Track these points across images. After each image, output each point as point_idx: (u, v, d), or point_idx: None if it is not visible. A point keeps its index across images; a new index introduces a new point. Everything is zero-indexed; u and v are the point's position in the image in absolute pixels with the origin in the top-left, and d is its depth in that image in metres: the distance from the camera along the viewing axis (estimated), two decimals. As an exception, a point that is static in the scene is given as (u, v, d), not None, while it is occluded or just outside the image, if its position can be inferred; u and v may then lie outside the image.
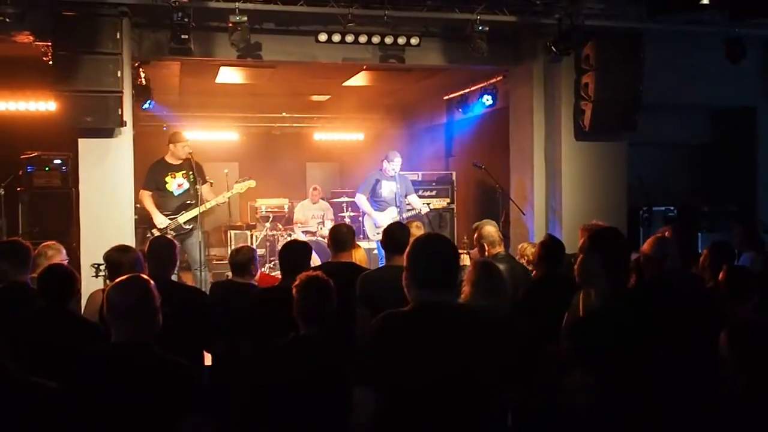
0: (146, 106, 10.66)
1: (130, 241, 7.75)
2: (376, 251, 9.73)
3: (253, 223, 13.85)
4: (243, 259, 5.81)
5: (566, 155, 9.25)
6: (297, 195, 14.32)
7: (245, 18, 7.82)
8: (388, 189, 9.90)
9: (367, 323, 3.42)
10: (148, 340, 3.16)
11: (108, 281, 5.35)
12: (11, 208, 9.70)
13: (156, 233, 8.45)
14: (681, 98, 10.21)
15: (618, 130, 9.15)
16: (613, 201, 9.28)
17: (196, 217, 8.76)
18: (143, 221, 8.86)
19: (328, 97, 14.79)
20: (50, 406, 2.71)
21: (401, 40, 8.67)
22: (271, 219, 12.52)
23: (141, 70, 9.43)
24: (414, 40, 8.73)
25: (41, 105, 10.45)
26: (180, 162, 8.85)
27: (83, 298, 6.44)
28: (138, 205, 8.93)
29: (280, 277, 5.83)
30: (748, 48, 9.03)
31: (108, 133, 8.04)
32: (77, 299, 5.43)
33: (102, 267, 7.39)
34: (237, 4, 7.81)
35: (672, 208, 10.40)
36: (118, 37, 7.59)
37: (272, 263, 11.66)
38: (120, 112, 7.67)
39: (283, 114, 15.89)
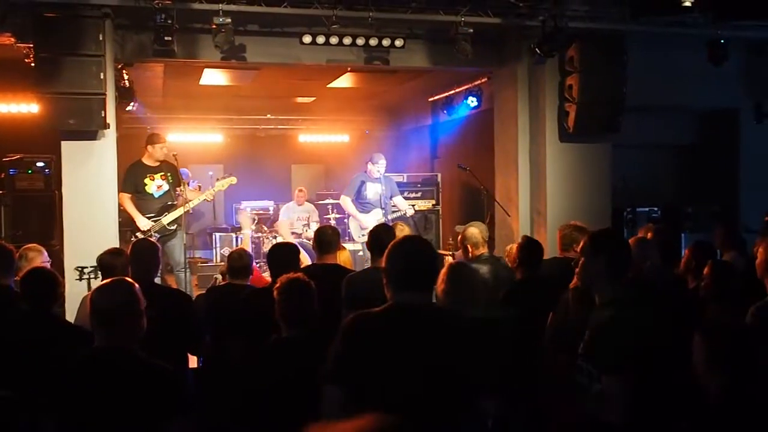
0: (129, 108, 10.62)
1: (115, 243, 7.71)
2: (361, 253, 9.72)
3: (238, 226, 13.82)
4: (243, 264, 5.84)
5: (550, 157, 9.27)
6: (282, 197, 14.33)
7: (229, 20, 7.80)
8: (373, 191, 9.89)
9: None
10: (133, 344, 3.14)
11: (93, 284, 5.33)
12: (-6, 211, 9.64)
13: (140, 236, 8.38)
14: (664, 100, 10.27)
15: (602, 131, 9.18)
16: (597, 202, 9.31)
17: (178, 218, 8.74)
18: (125, 224, 8.81)
19: (312, 99, 14.78)
20: (9, 416, 2.67)
21: (386, 42, 8.67)
22: (256, 221, 12.49)
23: (124, 72, 9.38)
24: (398, 42, 8.73)
25: (23, 107, 10.37)
26: (158, 164, 8.81)
27: (67, 302, 6.45)
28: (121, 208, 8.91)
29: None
30: (730, 50, 9.12)
31: (91, 135, 7.98)
32: (61, 303, 5.42)
33: (86, 270, 7.39)
34: (220, 5, 7.79)
35: (656, 208, 10.48)
36: (100, 38, 7.53)
37: (258, 265, 11.62)
38: (103, 115, 7.61)
39: (268, 116, 15.86)
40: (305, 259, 6.24)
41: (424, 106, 14.22)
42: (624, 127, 9.09)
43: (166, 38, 7.71)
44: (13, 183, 9.80)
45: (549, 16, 8.38)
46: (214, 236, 13.16)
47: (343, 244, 6.97)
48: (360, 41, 8.52)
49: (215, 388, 4.94)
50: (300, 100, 14.97)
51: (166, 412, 3.00)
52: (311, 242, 6.31)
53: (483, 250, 6.12)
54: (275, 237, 11.68)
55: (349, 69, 10.89)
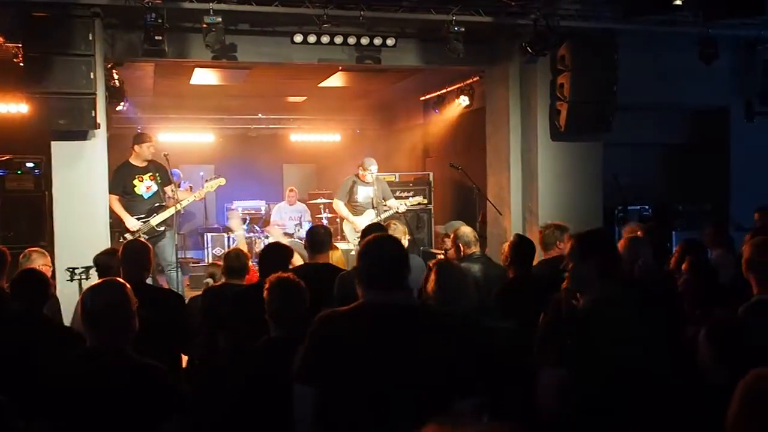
0: (120, 108, 10.58)
1: (105, 244, 7.67)
2: (354, 252, 9.71)
3: (230, 225, 13.80)
4: (240, 264, 5.84)
5: (542, 155, 9.28)
6: (274, 197, 14.31)
7: (220, 19, 7.78)
8: (364, 194, 9.89)
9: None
10: (125, 344, 3.13)
11: (84, 285, 5.32)
12: (-17, 212, 9.60)
13: (129, 237, 8.36)
14: (655, 98, 10.31)
15: (593, 130, 9.20)
16: (588, 200, 9.33)
17: (168, 219, 8.73)
18: (114, 225, 8.78)
19: (304, 98, 14.76)
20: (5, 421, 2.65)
21: (377, 41, 8.66)
22: (247, 221, 12.47)
23: (114, 71, 9.34)
24: (390, 41, 8.73)
25: (13, 107, 10.31)
26: (146, 164, 8.78)
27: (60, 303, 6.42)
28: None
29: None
30: (720, 48, 9.15)
31: (81, 135, 7.95)
32: (55, 303, 5.41)
33: (77, 271, 7.36)
34: (211, 5, 7.76)
35: (647, 207, 10.50)
36: (90, 38, 7.49)
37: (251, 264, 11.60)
38: (93, 115, 7.57)
39: (259, 115, 15.85)
40: (298, 261, 6.24)
41: (415, 105, 14.22)
42: (615, 126, 9.11)
43: (156, 38, 7.67)
44: (2, 184, 9.76)
45: (540, 15, 8.40)
46: (205, 236, 13.13)
47: (336, 244, 6.96)
48: (351, 40, 8.52)
49: (206, 388, 4.94)
50: (291, 99, 14.95)
51: (159, 413, 2.98)
52: (303, 242, 6.30)
53: (475, 249, 6.14)
54: (267, 237, 11.67)
55: (340, 68, 10.88)
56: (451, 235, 6.37)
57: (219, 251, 12.16)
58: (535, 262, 5.67)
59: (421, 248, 10.41)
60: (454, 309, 4.13)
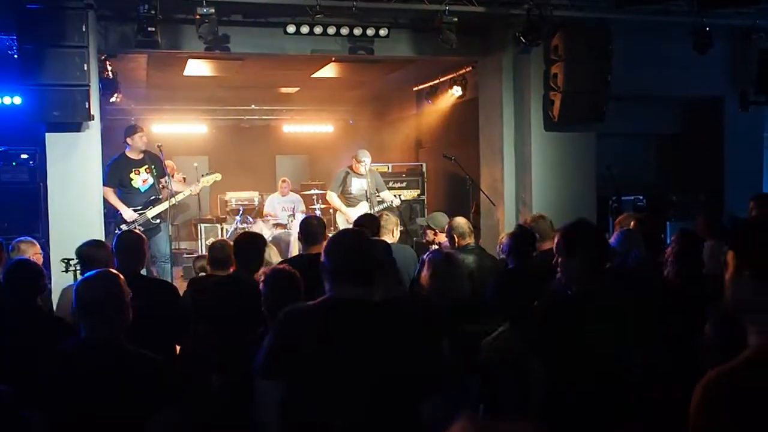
0: (113, 99, 10.57)
1: (100, 235, 7.68)
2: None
3: (224, 216, 13.80)
4: (224, 255, 5.81)
5: (536, 146, 9.30)
6: (267, 187, 14.29)
7: (212, 10, 7.76)
8: (358, 186, 9.90)
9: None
10: (118, 334, 3.14)
11: (79, 276, 5.32)
12: (-21, 204, 9.59)
13: (124, 227, 8.44)
14: (649, 89, 10.32)
15: (587, 120, 9.21)
16: (582, 191, 9.36)
17: (163, 212, 8.77)
18: (108, 215, 8.81)
19: (297, 89, 14.73)
20: (6, 410, 2.66)
21: (370, 32, 8.66)
22: (241, 212, 12.47)
23: (107, 63, 9.33)
24: (383, 32, 8.73)
25: (7, 99, 10.29)
26: (141, 156, 8.81)
27: (54, 294, 6.43)
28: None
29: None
30: (715, 38, 9.13)
31: (75, 127, 7.94)
32: (46, 294, 5.40)
33: (72, 262, 7.36)
34: (204, -4, 7.76)
35: (641, 197, 10.51)
36: (83, 30, 7.47)
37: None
38: (87, 106, 7.56)
39: (252, 106, 15.82)
40: (276, 256, 6.18)
41: (408, 95, 14.22)
42: (609, 116, 9.13)
43: (149, 29, 7.66)
44: (-3, 175, 9.76)
45: (534, 5, 8.40)
46: (199, 227, 13.12)
47: (329, 235, 6.96)
48: (344, 31, 8.52)
49: (197, 379, 4.96)
50: (284, 90, 14.92)
51: (154, 403, 3.00)
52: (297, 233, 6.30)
53: (469, 240, 6.16)
54: (260, 229, 11.67)
55: (333, 59, 10.86)
56: (446, 226, 6.39)
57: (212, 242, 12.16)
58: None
59: (414, 239, 10.42)
60: (447, 299, 4.16)
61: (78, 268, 7.28)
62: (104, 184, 8.49)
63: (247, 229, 11.92)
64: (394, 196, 10.10)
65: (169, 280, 8.47)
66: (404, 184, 12.23)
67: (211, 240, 11.57)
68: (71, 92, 7.50)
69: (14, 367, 3.12)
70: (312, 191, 12.51)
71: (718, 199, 10.73)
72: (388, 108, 16.10)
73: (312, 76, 12.62)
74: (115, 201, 8.65)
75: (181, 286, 6.24)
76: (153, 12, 7.57)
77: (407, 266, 5.88)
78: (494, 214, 9.72)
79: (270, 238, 9.85)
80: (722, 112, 11.08)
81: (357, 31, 8.59)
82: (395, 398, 2.87)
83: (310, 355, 2.85)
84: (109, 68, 9.51)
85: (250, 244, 5.25)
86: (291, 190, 13.19)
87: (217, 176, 9.51)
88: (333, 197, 9.97)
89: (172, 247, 9.22)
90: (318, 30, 8.36)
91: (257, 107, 15.88)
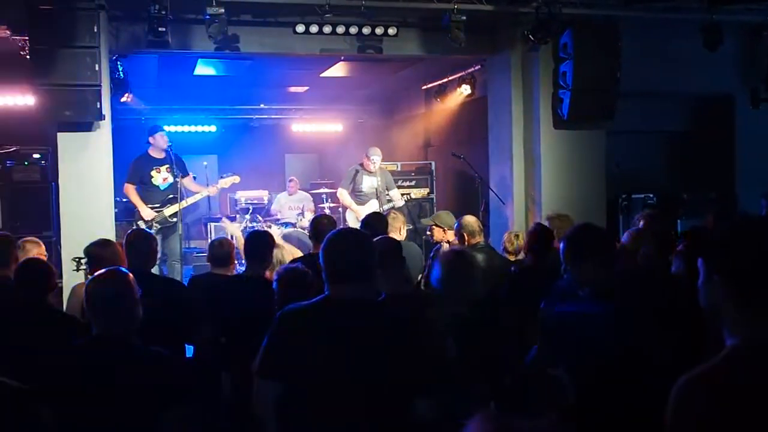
0: (124, 99, 10.63)
1: (111, 234, 7.74)
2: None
3: (233, 215, 13.83)
4: (223, 252, 5.83)
5: (545, 144, 9.29)
6: (276, 186, 14.33)
7: (222, 10, 7.79)
8: (368, 184, 9.93)
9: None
10: (129, 332, 3.16)
11: (89, 275, 5.35)
12: (-9, 203, 9.66)
13: (142, 225, 8.70)
14: (659, 86, 10.26)
15: (596, 118, 9.19)
16: (592, 189, 9.33)
17: (179, 210, 8.95)
18: (132, 213, 9.01)
19: (306, 88, 14.75)
20: (13, 405, 2.68)
21: (379, 31, 8.66)
22: (250, 211, 12.50)
23: (118, 63, 9.39)
24: (391, 31, 8.73)
25: (19, 99, 10.36)
26: (163, 156, 8.99)
27: (65, 292, 6.48)
28: (123, 200, 9.08)
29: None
30: (725, 34, 9.05)
31: (87, 126, 8.01)
32: (57, 293, 5.44)
33: (83, 260, 7.42)
34: (214, -4, 7.79)
35: (651, 195, 10.47)
36: (95, 30, 7.53)
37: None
38: (98, 106, 7.63)
39: (261, 106, 15.84)
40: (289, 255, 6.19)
41: (417, 94, 14.20)
42: (618, 114, 9.10)
43: (159, 29, 7.70)
44: (9, 175, 9.82)
45: (542, 3, 8.37)
46: (208, 226, 13.16)
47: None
48: (353, 30, 8.52)
49: (208, 377, 4.99)
50: (293, 89, 14.95)
51: (166, 400, 3.02)
52: (306, 232, 6.32)
53: (479, 239, 6.17)
54: (269, 227, 11.70)
55: (342, 58, 10.88)
56: (456, 225, 6.40)
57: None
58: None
59: (423, 237, 10.43)
60: (462, 298, 4.17)
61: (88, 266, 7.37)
62: (126, 181, 8.86)
63: (257, 228, 11.98)
64: (402, 195, 10.13)
65: (179, 279, 8.53)
66: (413, 183, 12.22)
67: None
68: (83, 92, 7.57)
69: (25, 364, 3.14)
70: (321, 190, 12.54)
71: (729, 198, 10.69)
72: (397, 107, 16.09)
73: (321, 75, 12.64)
74: (135, 198, 8.96)
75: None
76: (163, 12, 7.61)
77: (413, 263, 5.89)
78: (503, 212, 9.71)
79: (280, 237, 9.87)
80: (733, 110, 11.03)
81: (366, 30, 8.60)
82: (392, 396, 2.88)
83: (306, 355, 2.86)
84: (120, 68, 9.57)
85: (262, 242, 5.28)
86: (300, 189, 13.22)
87: (236, 178, 9.77)
88: (344, 194, 10.01)
89: (182, 247, 9.33)
90: (327, 29, 8.38)
91: (266, 106, 15.91)
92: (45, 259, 5.69)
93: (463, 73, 11.41)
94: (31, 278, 4.26)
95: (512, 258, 6.73)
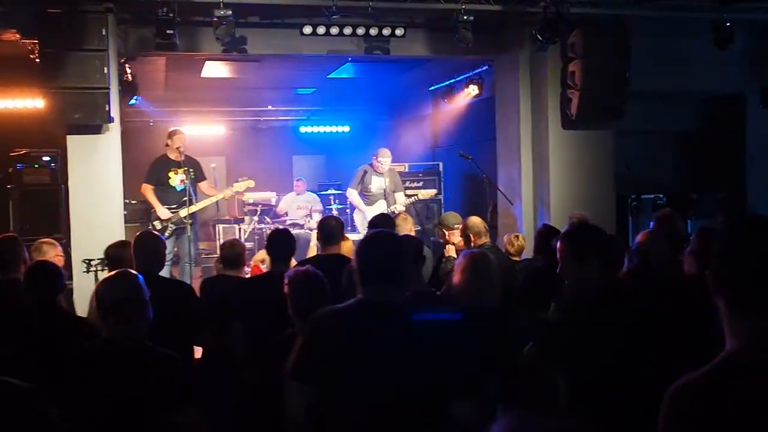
0: (133, 101, 10.68)
1: (120, 236, 7.75)
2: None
3: (241, 217, 13.85)
4: (234, 253, 5.84)
5: (553, 144, 9.26)
6: (284, 188, 14.34)
7: (230, 12, 7.82)
8: (376, 184, 9.95)
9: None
10: (140, 334, 3.17)
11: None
12: (1, 205, 9.69)
13: (158, 225, 8.86)
14: (668, 85, 10.22)
15: (605, 118, 9.16)
16: (601, 189, 9.30)
17: (194, 212, 9.14)
18: (142, 215, 9.09)
19: (313, 89, 14.77)
20: (25, 407, 2.68)
21: (386, 31, 8.66)
22: (258, 212, 12.53)
23: (127, 66, 9.42)
24: (399, 31, 8.72)
25: (29, 102, 10.41)
26: (181, 158, 9.12)
27: (76, 294, 6.51)
28: (131, 201, 9.16)
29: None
30: (735, 33, 9.01)
31: (96, 129, 8.04)
32: (66, 295, 5.46)
33: (93, 262, 7.47)
34: (221, -2, 7.81)
35: (661, 195, 10.44)
36: (103, 33, 7.57)
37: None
38: (107, 109, 7.66)
39: (269, 107, 15.87)
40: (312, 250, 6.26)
41: (424, 95, 14.21)
42: (627, 114, 9.07)
43: (167, 32, 7.74)
44: (20, 177, 9.86)
45: (550, 3, 8.34)
46: (216, 228, 13.19)
47: (347, 235, 7.00)
48: (360, 31, 8.52)
49: (218, 380, 4.99)
50: (301, 91, 14.97)
51: (174, 402, 3.03)
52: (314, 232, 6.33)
53: (485, 240, 6.15)
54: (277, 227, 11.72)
55: (349, 59, 10.89)
56: (461, 226, 6.39)
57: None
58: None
59: (432, 238, 10.43)
60: (486, 301, 4.16)
61: (99, 268, 7.41)
62: (144, 181, 9.06)
63: (265, 230, 12.00)
64: (407, 197, 10.13)
65: (189, 281, 8.57)
66: (421, 184, 12.21)
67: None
68: (92, 95, 7.61)
69: (36, 365, 3.15)
70: (329, 191, 12.55)
71: (740, 197, 10.64)
72: (405, 107, 16.09)
73: (328, 76, 12.66)
74: (152, 198, 9.09)
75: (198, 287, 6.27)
76: (171, 15, 7.65)
77: (425, 264, 5.89)
78: (511, 213, 9.70)
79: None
80: (743, 109, 10.96)
81: (373, 31, 8.60)
82: (429, 399, 2.87)
83: (340, 358, 2.84)
84: (129, 71, 9.60)
85: (285, 239, 5.29)
86: (308, 190, 13.23)
87: (251, 183, 9.88)
88: (353, 194, 10.03)
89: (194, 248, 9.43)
90: (334, 30, 8.39)
91: (274, 108, 15.94)
92: (62, 260, 5.73)
93: (471, 73, 11.41)
94: (41, 280, 4.27)
95: (516, 259, 6.76)
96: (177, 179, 9.15)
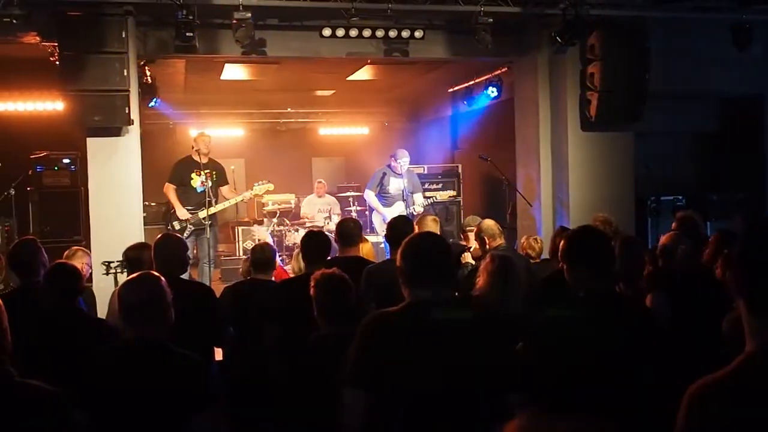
0: (152, 104, 10.73)
1: (140, 238, 7.79)
2: (383, 245, 9.76)
3: (260, 219, 13.89)
4: (265, 257, 5.82)
5: (572, 146, 9.23)
6: (303, 190, 14.37)
7: (249, 14, 7.83)
8: (395, 186, 9.93)
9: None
10: (161, 336, 3.17)
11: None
12: (22, 207, 9.78)
13: (176, 225, 8.93)
14: (687, 86, 10.16)
15: (624, 120, 9.12)
16: (620, 191, 9.26)
17: (214, 214, 9.15)
18: (161, 217, 9.17)
19: (332, 91, 14.80)
20: (50, 410, 2.69)
21: (405, 34, 8.66)
22: (277, 215, 12.55)
23: (146, 68, 9.49)
24: (418, 33, 8.72)
25: (49, 105, 10.50)
26: (205, 161, 9.17)
27: (97, 296, 6.54)
28: (153, 203, 9.21)
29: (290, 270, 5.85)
30: (755, 34, 8.93)
31: (115, 131, 8.09)
32: (87, 296, 5.49)
33: (112, 264, 7.50)
34: (241, 0, 7.82)
35: (680, 197, 10.38)
36: (123, 36, 7.62)
37: (281, 258, 11.68)
38: (127, 111, 7.71)
39: (288, 109, 15.92)
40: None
41: (444, 97, 14.20)
42: (647, 115, 9.03)
43: (187, 34, 7.76)
44: (40, 179, 9.95)
45: (569, 4, 8.33)
46: (236, 230, 13.23)
47: (366, 236, 6.99)
48: (379, 33, 8.53)
49: (241, 381, 4.98)
50: (320, 93, 15.00)
51: (195, 404, 3.03)
52: (333, 235, 6.30)
53: (500, 242, 6.10)
54: (297, 230, 11.74)
55: (368, 61, 10.90)
56: (475, 229, 6.37)
57: (249, 245, 12.26)
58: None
59: (451, 240, 10.41)
60: (513, 303, 4.15)
61: (118, 270, 7.45)
62: (167, 181, 9.15)
63: (284, 232, 12.02)
64: (425, 198, 10.11)
65: (208, 282, 8.59)
66: (440, 186, 12.19)
67: (249, 243, 11.69)
68: (111, 97, 7.66)
69: (58, 367, 3.16)
70: (348, 193, 12.56)
71: (758, 199, 10.56)
72: (424, 109, 16.09)
73: (347, 78, 12.68)
74: (173, 198, 9.16)
75: (218, 289, 6.26)
76: (191, 17, 7.67)
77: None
78: (531, 215, 9.66)
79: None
80: (763, 110, 10.90)
81: (392, 33, 8.60)
82: (482, 396, 2.87)
83: (397, 362, 2.83)
84: (148, 73, 9.66)
85: (321, 240, 5.28)
86: (327, 192, 13.25)
87: (270, 186, 9.89)
88: (371, 195, 10.02)
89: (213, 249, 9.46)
90: (353, 33, 8.39)
91: (293, 110, 15.98)
92: (88, 270, 5.77)
93: (490, 75, 11.39)
94: (59, 282, 4.29)
95: (537, 261, 6.73)
96: (198, 180, 9.21)
